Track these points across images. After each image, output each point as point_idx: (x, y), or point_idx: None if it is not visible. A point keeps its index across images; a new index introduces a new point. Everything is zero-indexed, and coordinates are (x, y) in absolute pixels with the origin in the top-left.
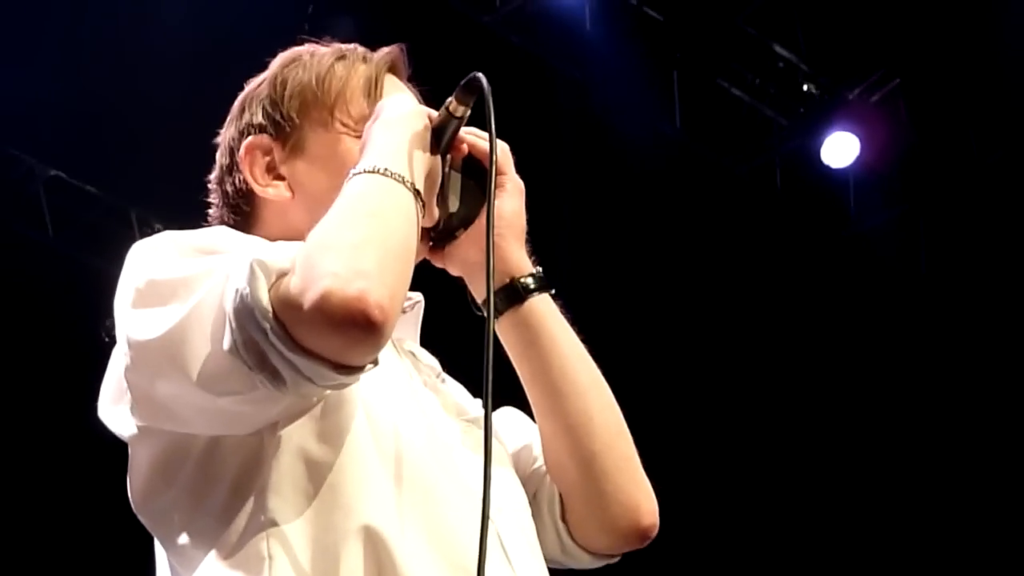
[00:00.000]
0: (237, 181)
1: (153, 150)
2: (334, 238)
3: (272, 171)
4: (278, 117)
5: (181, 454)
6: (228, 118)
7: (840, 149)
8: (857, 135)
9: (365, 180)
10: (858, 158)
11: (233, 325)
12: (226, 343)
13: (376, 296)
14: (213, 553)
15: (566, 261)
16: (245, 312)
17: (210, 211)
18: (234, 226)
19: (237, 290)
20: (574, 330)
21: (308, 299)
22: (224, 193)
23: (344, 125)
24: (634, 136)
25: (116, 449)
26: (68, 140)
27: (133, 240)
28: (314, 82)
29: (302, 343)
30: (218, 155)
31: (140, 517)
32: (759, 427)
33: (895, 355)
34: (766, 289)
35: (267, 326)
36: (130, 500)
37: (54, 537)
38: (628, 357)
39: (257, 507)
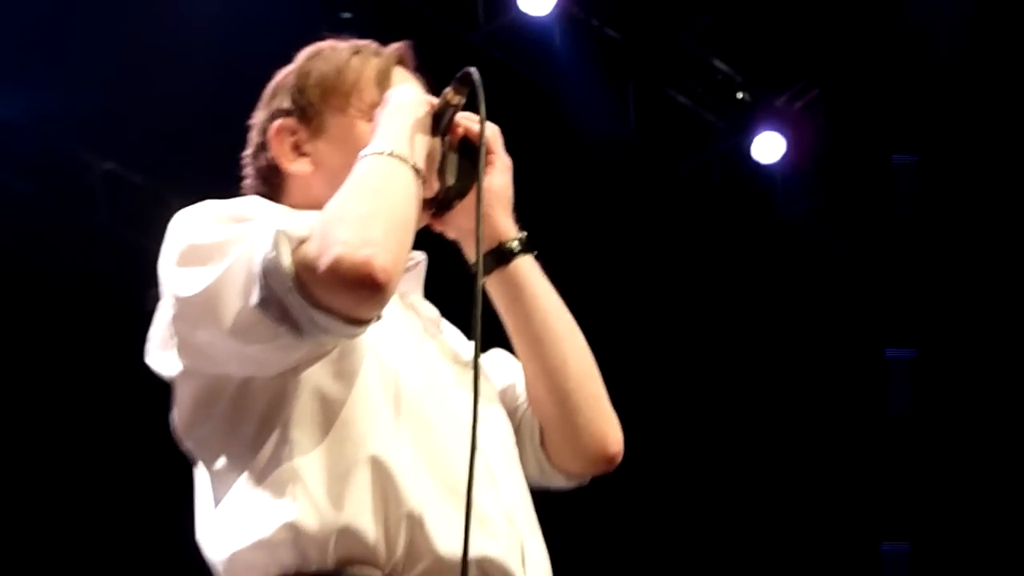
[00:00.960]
0: (267, 158)
1: (191, 145)
2: (345, 210)
3: (297, 149)
4: (303, 103)
5: (218, 391)
6: (260, 103)
7: (769, 148)
8: (783, 136)
9: (373, 161)
10: (784, 155)
11: (260, 284)
12: (254, 299)
13: (381, 261)
14: (245, 475)
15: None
16: (270, 273)
17: (244, 183)
18: (264, 196)
19: (264, 254)
20: (558, 285)
21: (323, 263)
22: (256, 168)
23: (359, 110)
24: (595, 136)
25: (159, 394)
26: (119, 138)
27: None
28: (334, 73)
29: (318, 300)
30: (251, 135)
31: (183, 444)
32: (702, 388)
33: (813, 328)
34: (705, 266)
35: (289, 285)
36: (174, 429)
37: (114, 465)
38: (593, 320)
39: (281, 438)
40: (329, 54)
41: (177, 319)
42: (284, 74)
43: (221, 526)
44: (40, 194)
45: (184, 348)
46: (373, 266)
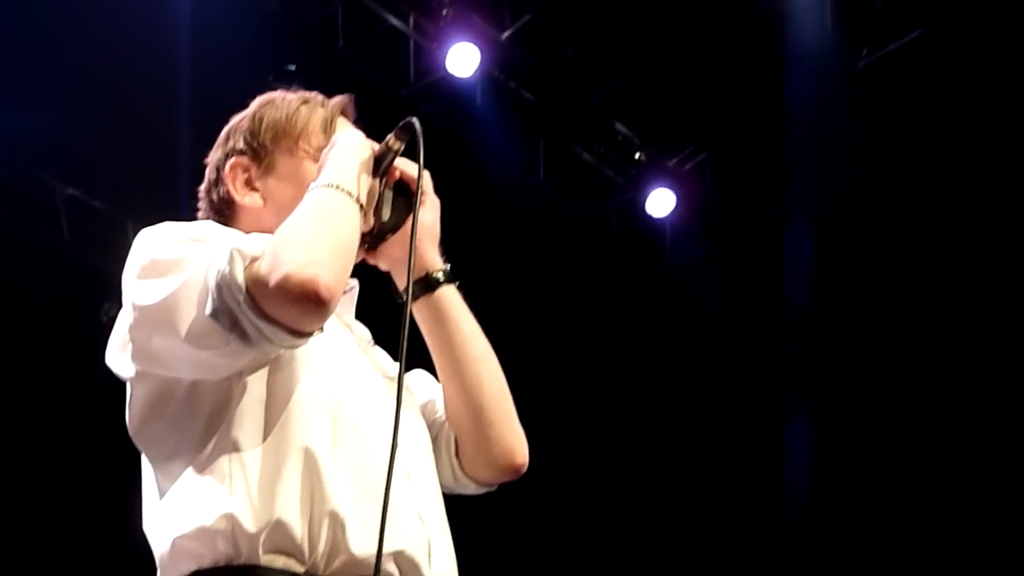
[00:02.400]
0: (221, 192)
1: (147, 174)
2: (296, 234)
3: (249, 184)
4: (255, 144)
5: (168, 393)
6: (216, 144)
7: (661, 203)
8: (674, 192)
9: (322, 192)
10: (674, 210)
11: (214, 296)
12: (208, 309)
13: (325, 279)
14: (189, 469)
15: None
16: (224, 286)
17: (198, 214)
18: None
19: (219, 269)
20: (474, 314)
21: (274, 278)
22: (210, 200)
23: (306, 152)
24: (508, 185)
25: (114, 396)
26: (82, 165)
27: (129, 245)
28: (284, 119)
29: (267, 312)
30: (207, 172)
31: (135, 440)
32: (600, 403)
33: (696, 361)
34: (601, 306)
35: (240, 298)
36: (128, 427)
37: (69, 459)
38: (505, 346)
39: (223, 436)
40: (280, 103)
41: (136, 326)
42: (238, 119)
43: (165, 515)
44: (7, 215)
45: (140, 353)
46: (318, 283)
